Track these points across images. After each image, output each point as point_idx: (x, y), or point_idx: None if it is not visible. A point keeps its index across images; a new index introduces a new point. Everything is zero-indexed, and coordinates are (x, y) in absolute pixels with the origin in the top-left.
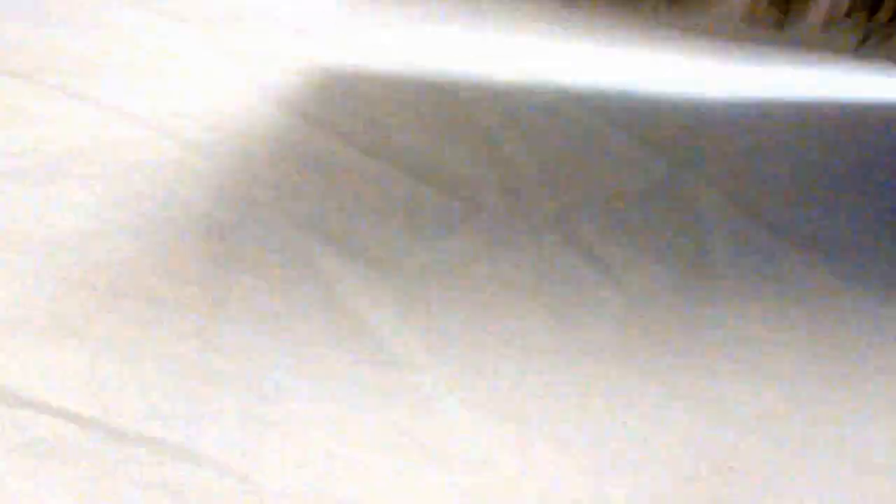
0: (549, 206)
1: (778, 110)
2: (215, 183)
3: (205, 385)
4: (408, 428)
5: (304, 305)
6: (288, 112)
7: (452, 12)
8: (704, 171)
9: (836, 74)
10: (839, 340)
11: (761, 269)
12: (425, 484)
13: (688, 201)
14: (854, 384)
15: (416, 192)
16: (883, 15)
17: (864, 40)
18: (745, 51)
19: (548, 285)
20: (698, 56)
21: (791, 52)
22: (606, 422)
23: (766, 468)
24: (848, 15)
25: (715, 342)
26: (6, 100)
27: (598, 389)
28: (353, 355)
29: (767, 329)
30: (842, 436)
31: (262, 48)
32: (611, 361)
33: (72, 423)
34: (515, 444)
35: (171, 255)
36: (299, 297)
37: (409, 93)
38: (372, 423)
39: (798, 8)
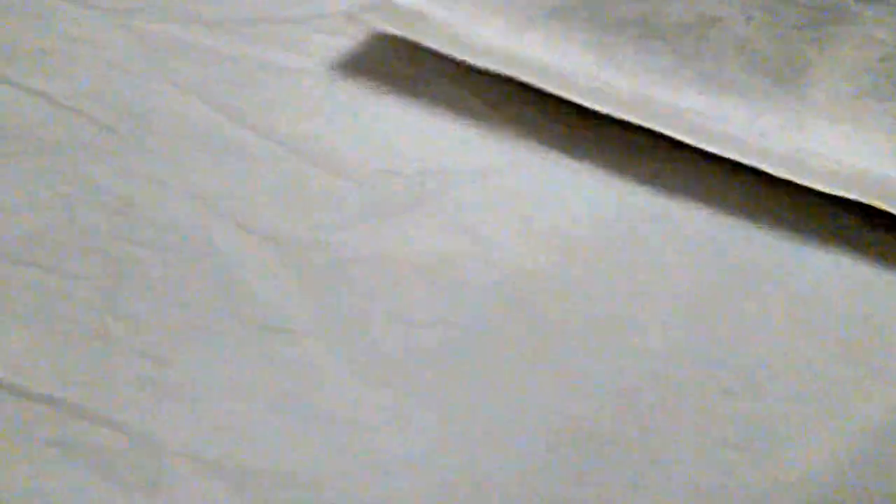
0: None
1: None
2: (121, 162)
3: (104, 350)
4: (294, 393)
5: (198, 278)
6: (192, 95)
7: None
8: None
9: None
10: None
11: None
12: (309, 445)
13: None
14: (715, 360)
15: (310, 176)
16: None
17: None
18: None
19: (433, 261)
20: None
21: None
22: (478, 392)
23: (626, 440)
24: None
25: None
26: None
27: (479, 362)
28: (244, 325)
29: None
30: (703, 410)
31: (172, 36)
32: (490, 335)
33: None
34: (395, 411)
35: (76, 230)
36: (195, 269)
37: (306, 77)
38: (262, 388)
39: None
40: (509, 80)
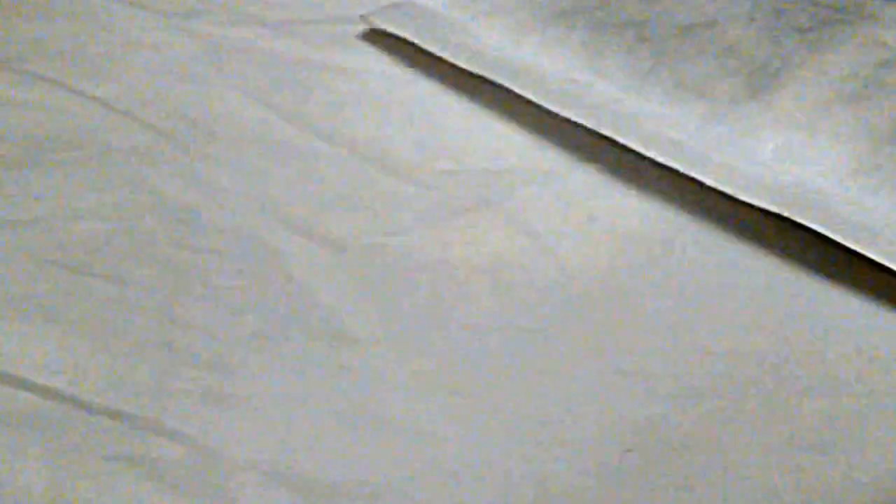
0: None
1: None
2: (182, 168)
3: (168, 361)
4: (359, 402)
5: (261, 285)
6: (253, 99)
7: None
8: None
9: None
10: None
11: None
12: (375, 455)
13: None
14: (786, 363)
15: (375, 180)
16: None
17: None
18: None
19: (498, 264)
20: None
21: None
22: (548, 397)
23: (698, 442)
24: None
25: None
26: None
27: (545, 367)
28: (308, 333)
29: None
30: (774, 412)
31: (232, 39)
32: (559, 337)
33: (43, 397)
34: (460, 418)
35: (138, 238)
36: (258, 277)
37: (368, 78)
38: (326, 397)
39: None
40: None
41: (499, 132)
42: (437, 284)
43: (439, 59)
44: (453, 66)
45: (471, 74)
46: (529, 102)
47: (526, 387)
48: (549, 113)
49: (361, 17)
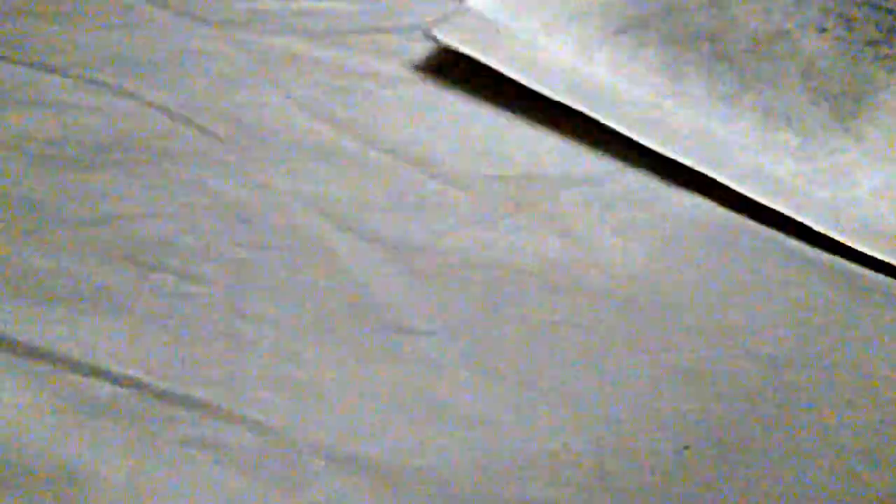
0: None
1: None
2: (238, 171)
3: (236, 351)
4: (418, 390)
5: (318, 280)
6: (300, 106)
7: None
8: None
9: None
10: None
11: None
12: (436, 440)
13: None
14: (834, 368)
15: (420, 183)
16: None
17: None
18: None
19: (544, 265)
20: None
21: None
22: (607, 392)
23: (753, 445)
24: None
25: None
26: (45, 94)
27: (598, 361)
28: (366, 325)
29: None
30: (825, 418)
31: (279, 48)
32: (608, 336)
33: (120, 386)
34: (517, 406)
35: (200, 235)
36: (314, 272)
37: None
38: (386, 385)
39: None
40: None
41: (537, 138)
42: (488, 282)
43: (476, 65)
44: (491, 72)
45: (506, 81)
46: (565, 108)
47: (581, 380)
48: (583, 119)
49: (423, 31)
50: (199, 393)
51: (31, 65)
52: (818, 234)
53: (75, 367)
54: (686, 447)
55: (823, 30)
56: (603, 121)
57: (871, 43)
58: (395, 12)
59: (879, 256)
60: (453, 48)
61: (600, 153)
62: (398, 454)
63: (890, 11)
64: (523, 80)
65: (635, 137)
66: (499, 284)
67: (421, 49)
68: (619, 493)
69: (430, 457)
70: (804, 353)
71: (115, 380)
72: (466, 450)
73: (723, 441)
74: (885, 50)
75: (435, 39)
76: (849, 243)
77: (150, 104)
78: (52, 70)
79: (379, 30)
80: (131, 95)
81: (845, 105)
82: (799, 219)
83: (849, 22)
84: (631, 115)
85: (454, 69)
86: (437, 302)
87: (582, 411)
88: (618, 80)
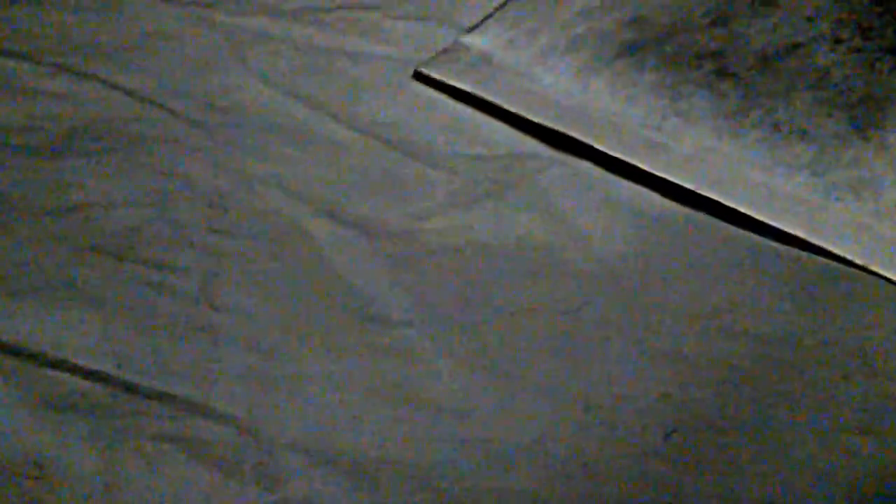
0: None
1: None
2: (211, 156)
3: (211, 344)
4: (397, 381)
5: (296, 269)
6: (275, 87)
7: None
8: None
9: None
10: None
11: None
12: (414, 432)
13: None
14: (821, 343)
15: (398, 164)
16: None
17: None
18: None
19: (527, 247)
20: None
21: None
22: (589, 378)
23: (744, 425)
24: None
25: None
26: (12, 80)
27: (585, 348)
28: (343, 314)
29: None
30: (820, 395)
31: (251, 28)
32: (590, 320)
33: (90, 380)
34: (497, 396)
35: (172, 223)
36: (290, 260)
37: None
38: (364, 376)
39: None
40: None
41: (516, 117)
42: (467, 267)
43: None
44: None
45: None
46: None
47: (564, 367)
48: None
49: (416, 72)
50: (172, 387)
51: None
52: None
53: (44, 361)
54: (673, 431)
55: (838, 41)
56: (599, 147)
57: (891, 50)
58: None
59: None
60: (447, 84)
61: (572, 130)
62: (376, 448)
63: None
64: (519, 111)
65: (636, 164)
66: (478, 270)
67: (398, 26)
68: (603, 481)
69: (409, 450)
70: (794, 331)
71: (86, 374)
72: (446, 441)
73: (712, 423)
74: None
75: (428, 79)
76: (872, 268)
77: (119, 89)
78: (17, 56)
79: (352, 6)
80: (100, 80)
81: (865, 114)
82: (815, 242)
83: (866, 31)
84: (629, 140)
85: (432, 47)
86: (415, 290)
87: (563, 399)
88: (617, 104)
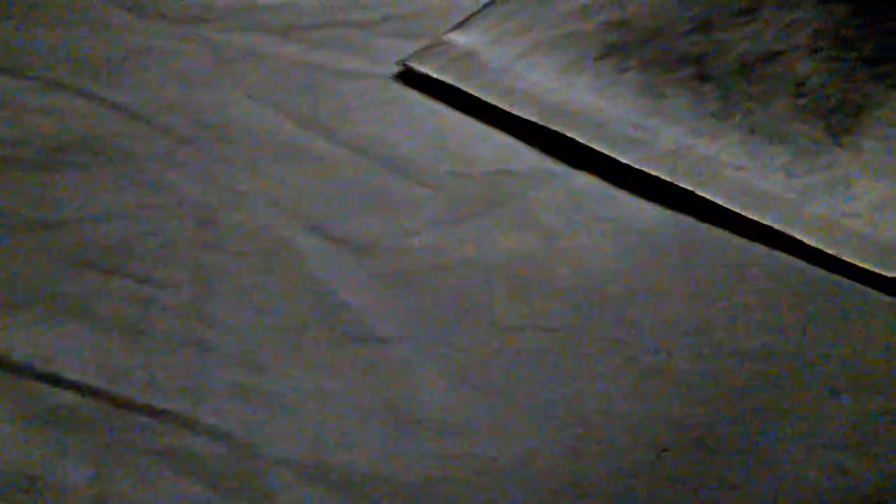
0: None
1: None
2: (201, 172)
3: (201, 359)
4: (387, 397)
5: (286, 286)
6: (264, 104)
7: None
8: None
9: None
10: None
11: None
12: (405, 448)
13: None
14: (811, 360)
15: (387, 181)
16: None
17: None
18: None
19: (515, 263)
20: None
21: None
22: (581, 395)
23: (734, 442)
24: None
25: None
26: (0, 95)
27: (573, 365)
28: (334, 332)
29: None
30: (810, 411)
31: (240, 44)
32: (581, 337)
33: (82, 395)
34: (490, 413)
35: (163, 238)
36: (280, 276)
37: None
38: (355, 394)
39: None
40: None
41: (501, 134)
42: (457, 285)
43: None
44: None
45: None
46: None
47: (555, 384)
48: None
49: (398, 62)
50: (162, 402)
51: None
52: (809, 247)
53: (35, 375)
54: (665, 450)
55: (816, 50)
56: (582, 141)
57: (868, 61)
58: (358, 5)
59: (881, 272)
60: (431, 76)
61: (561, 149)
62: (367, 465)
63: (888, 32)
64: (501, 105)
65: (615, 156)
66: (469, 287)
67: (385, 44)
68: (595, 499)
69: (400, 466)
70: (785, 348)
71: (77, 388)
72: (437, 459)
73: (704, 442)
74: (883, 68)
75: (411, 70)
76: (845, 258)
77: (109, 104)
78: (6, 71)
79: (339, 24)
80: (89, 96)
81: (840, 121)
82: (789, 233)
83: (844, 42)
84: (612, 135)
85: (418, 64)
86: (405, 307)
87: (555, 416)
88: (599, 101)
